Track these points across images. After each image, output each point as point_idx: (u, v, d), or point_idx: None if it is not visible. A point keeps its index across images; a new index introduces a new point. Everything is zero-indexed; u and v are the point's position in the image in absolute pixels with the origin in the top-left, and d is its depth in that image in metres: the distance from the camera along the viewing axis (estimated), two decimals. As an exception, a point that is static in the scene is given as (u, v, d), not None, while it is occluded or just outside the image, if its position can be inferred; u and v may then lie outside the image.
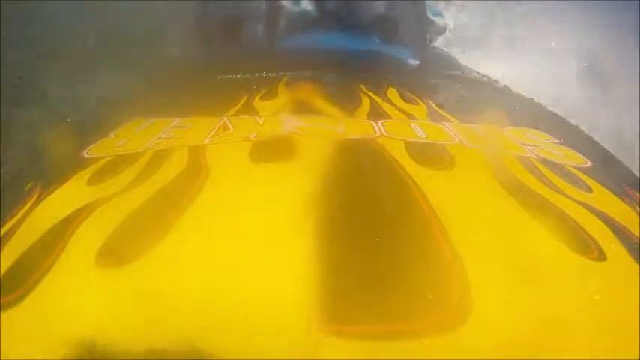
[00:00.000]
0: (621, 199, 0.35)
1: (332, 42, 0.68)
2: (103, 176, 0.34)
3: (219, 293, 0.23)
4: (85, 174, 0.35)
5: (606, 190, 0.35)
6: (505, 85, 0.69)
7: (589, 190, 0.35)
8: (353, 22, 0.71)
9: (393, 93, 0.52)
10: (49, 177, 0.36)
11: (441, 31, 0.82)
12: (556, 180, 0.35)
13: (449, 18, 0.85)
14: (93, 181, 0.34)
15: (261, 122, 0.41)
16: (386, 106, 0.47)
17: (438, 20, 0.81)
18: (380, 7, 0.71)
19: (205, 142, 0.37)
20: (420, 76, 0.63)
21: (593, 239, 0.28)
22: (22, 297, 0.24)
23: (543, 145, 0.41)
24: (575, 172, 0.37)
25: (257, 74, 0.59)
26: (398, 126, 0.41)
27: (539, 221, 0.29)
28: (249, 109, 0.45)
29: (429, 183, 0.30)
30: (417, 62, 0.70)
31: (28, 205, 0.32)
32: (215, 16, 0.75)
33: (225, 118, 0.41)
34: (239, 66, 0.63)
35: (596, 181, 0.36)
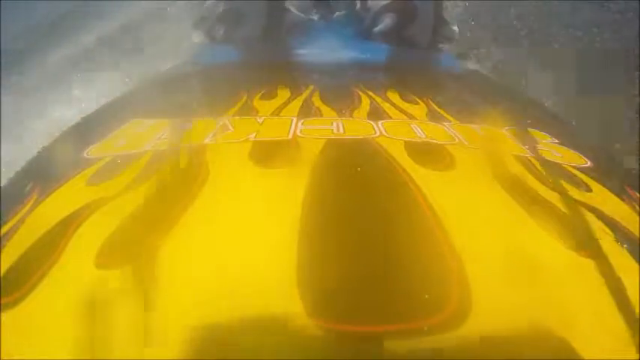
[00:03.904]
0: (621, 198, 0.35)
1: (334, 42, 0.68)
2: (103, 176, 0.34)
3: (217, 293, 0.23)
4: (85, 174, 0.35)
5: (606, 190, 0.35)
6: (505, 85, 0.69)
7: (588, 189, 0.35)
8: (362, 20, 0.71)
9: (392, 93, 0.52)
10: (49, 177, 0.36)
11: (452, 37, 0.82)
12: (555, 180, 0.35)
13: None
14: (93, 181, 0.34)
15: (260, 122, 0.41)
16: (386, 106, 0.47)
17: (451, 27, 0.81)
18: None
19: (205, 142, 0.37)
20: (420, 76, 0.63)
21: (592, 239, 0.28)
22: (22, 298, 0.24)
23: (543, 144, 0.41)
24: (574, 171, 0.37)
25: (256, 74, 0.59)
26: (398, 126, 0.41)
27: (538, 221, 0.29)
28: (248, 109, 0.45)
29: (429, 183, 0.30)
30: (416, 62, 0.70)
31: (27, 206, 0.32)
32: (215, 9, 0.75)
33: (225, 118, 0.41)
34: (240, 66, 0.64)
35: (596, 180, 0.36)
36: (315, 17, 0.77)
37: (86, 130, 0.47)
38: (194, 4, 0.86)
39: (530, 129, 0.45)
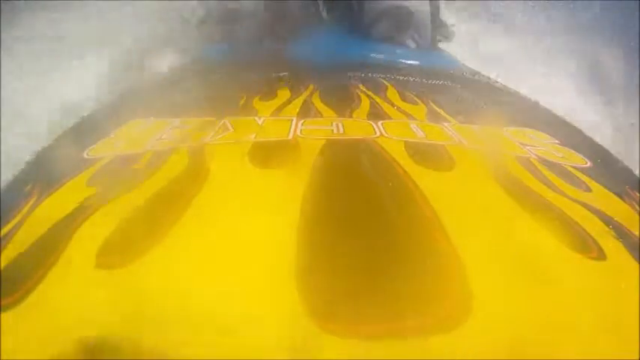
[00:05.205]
0: (621, 198, 0.35)
1: (334, 43, 0.69)
2: (103, 176, 0.34)
3: (216, 294, 0.23)
4: (85, 174, 0.35)
5: (606, 190, 0.35)
6: (505, 85, 0.70)
7: (588, 189, 0.35)
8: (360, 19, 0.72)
9: (392, 93, 0.53)
10: (49, 178, 0.36)
11: (449, 36, 0.83)
12: (555, 180, 0.35)
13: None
14: (93, 181, 0.34)
15: (260, 123, 0.41)
16: (385, 106, 0.47)
17: (448, 26, 0.82)
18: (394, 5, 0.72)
19: (205, 142, 0.37)
20: (420, 76, 0.63)
21: (592, 238, 0.28)
22: (22, 298, 0.24)
23: (543, 145, 0.41)
24: (574, 171, 0.37)
25: (255, 74, 0.59)
26: (397, 126, 0.41)
27: (538, 221, 0.29)
28: (248, 109, 0.45)
29: (429, 183, 0.30)
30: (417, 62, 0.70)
31: (27, 206, 0.32)
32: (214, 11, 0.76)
33: (225, 119, 0.41)
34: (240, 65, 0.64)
35: (596, 180, 0.36)
36: (315, 19, 0.77)
37: (86, 130, 0.47)
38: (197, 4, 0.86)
39: (529, 129, 0.45)
